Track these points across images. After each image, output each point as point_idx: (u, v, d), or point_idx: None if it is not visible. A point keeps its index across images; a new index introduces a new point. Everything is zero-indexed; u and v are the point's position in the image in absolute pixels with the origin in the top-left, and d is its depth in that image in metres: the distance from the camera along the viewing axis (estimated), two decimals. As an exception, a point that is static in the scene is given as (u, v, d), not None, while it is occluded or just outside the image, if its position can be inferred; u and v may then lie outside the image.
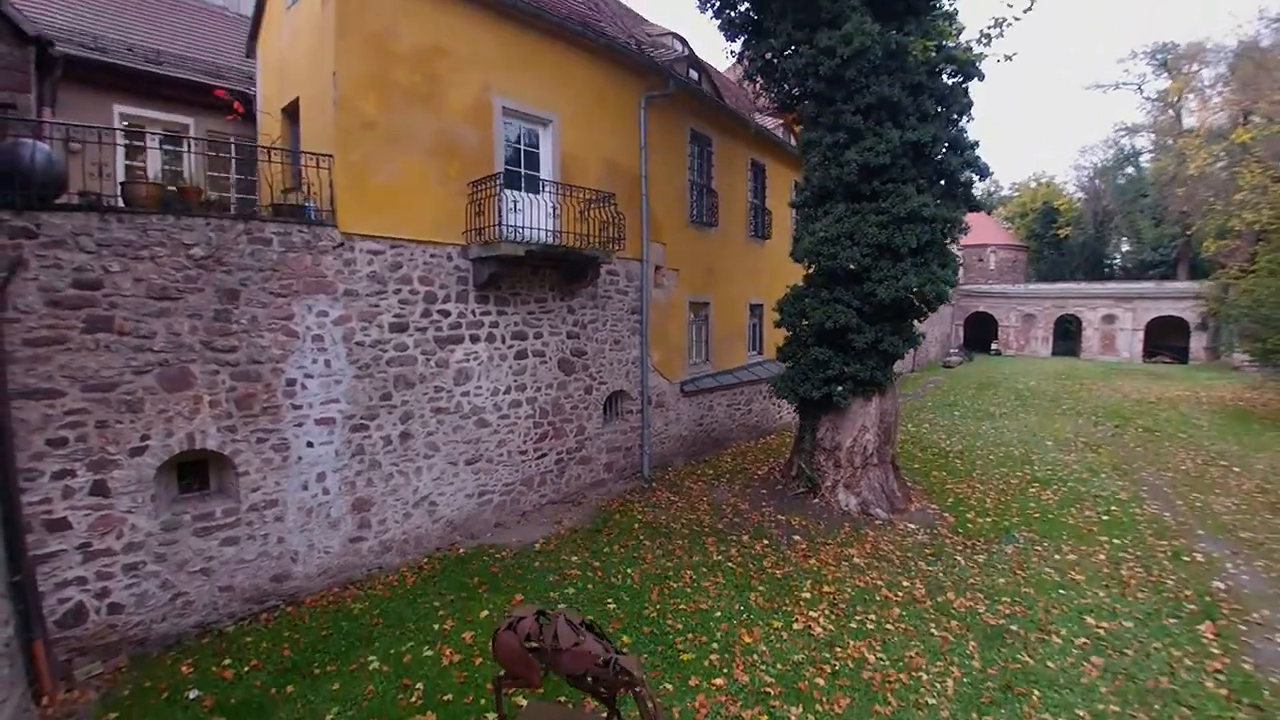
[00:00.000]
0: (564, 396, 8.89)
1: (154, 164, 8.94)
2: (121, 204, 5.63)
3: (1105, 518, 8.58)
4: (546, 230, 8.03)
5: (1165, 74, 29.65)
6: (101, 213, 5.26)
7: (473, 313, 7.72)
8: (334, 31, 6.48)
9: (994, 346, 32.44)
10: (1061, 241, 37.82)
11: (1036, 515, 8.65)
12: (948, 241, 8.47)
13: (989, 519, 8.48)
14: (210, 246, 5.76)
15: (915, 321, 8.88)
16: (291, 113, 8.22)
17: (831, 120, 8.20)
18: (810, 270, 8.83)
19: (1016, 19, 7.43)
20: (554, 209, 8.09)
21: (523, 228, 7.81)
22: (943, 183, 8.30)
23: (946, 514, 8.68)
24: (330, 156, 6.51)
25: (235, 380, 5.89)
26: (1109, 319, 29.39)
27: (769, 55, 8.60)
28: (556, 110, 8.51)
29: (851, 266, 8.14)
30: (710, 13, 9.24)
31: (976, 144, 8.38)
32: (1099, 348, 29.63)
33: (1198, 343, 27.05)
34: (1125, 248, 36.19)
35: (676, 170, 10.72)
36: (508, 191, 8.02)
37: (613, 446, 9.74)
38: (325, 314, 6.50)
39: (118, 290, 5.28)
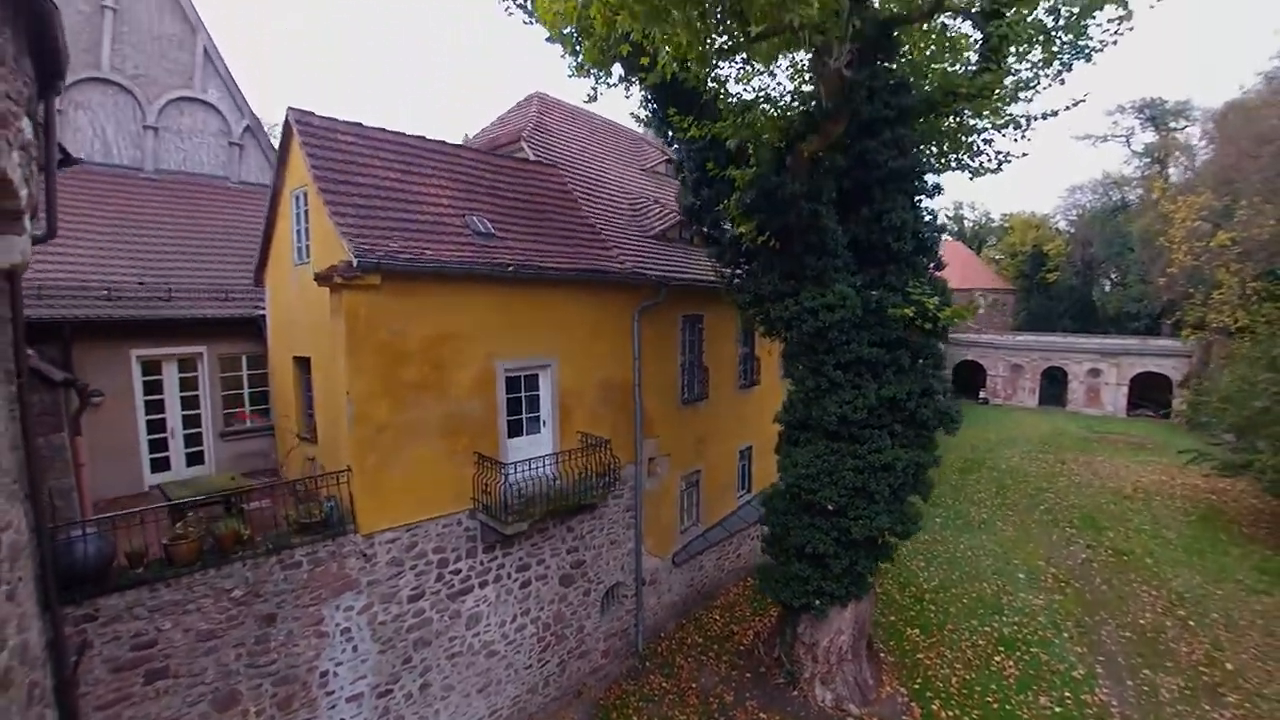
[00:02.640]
0: (564, 605, 9.71)
1: (174, 408, 9.69)
2: (168, 561, 6.36)
3: (1058, 709, 9.47)
4: (548, 464, 8.78)
5: (1153, 129, 30.10)
6: (150, 585, 6.02)
7: (481, 563, 8.50)
8: (345, 350, 7.15)
9: (982, 394, 33.25)
10: (1050, 285, 38.48)
11: (996, 706, 9.54)
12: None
13: (954, 712, 9.37)
14: (248, 585, 6.53)
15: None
16: (303, 362, 8.93)
17: (814, 364, 8.88)
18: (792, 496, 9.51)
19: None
20: (554, 460, 8.84)
21: (525, 480, 8.53)
22: (915, 430, 8.99)
23: (914, 704, 9.58)
24: (348, 470, 7.25)
25: (275, 686, 6.71)
26: (1094, 373, 30.16)
27: (760, 295, 9.19)
28: (555, 354, 9.21)
29: (830, 506, 8.91)
30: (706, 242, 9.86)
31: (949, 390, 9.10)
32: (1084, 400, 30.44)
33: (1181, 400, 27.79)
34: (1110, 289, 36.73)
35: (669, 358, 11.41)
36: (511, 440, 8.79)
37: (609, 634, 10.59)
38: (351, 608, 7.29)
39: (170, 644, 6.08)
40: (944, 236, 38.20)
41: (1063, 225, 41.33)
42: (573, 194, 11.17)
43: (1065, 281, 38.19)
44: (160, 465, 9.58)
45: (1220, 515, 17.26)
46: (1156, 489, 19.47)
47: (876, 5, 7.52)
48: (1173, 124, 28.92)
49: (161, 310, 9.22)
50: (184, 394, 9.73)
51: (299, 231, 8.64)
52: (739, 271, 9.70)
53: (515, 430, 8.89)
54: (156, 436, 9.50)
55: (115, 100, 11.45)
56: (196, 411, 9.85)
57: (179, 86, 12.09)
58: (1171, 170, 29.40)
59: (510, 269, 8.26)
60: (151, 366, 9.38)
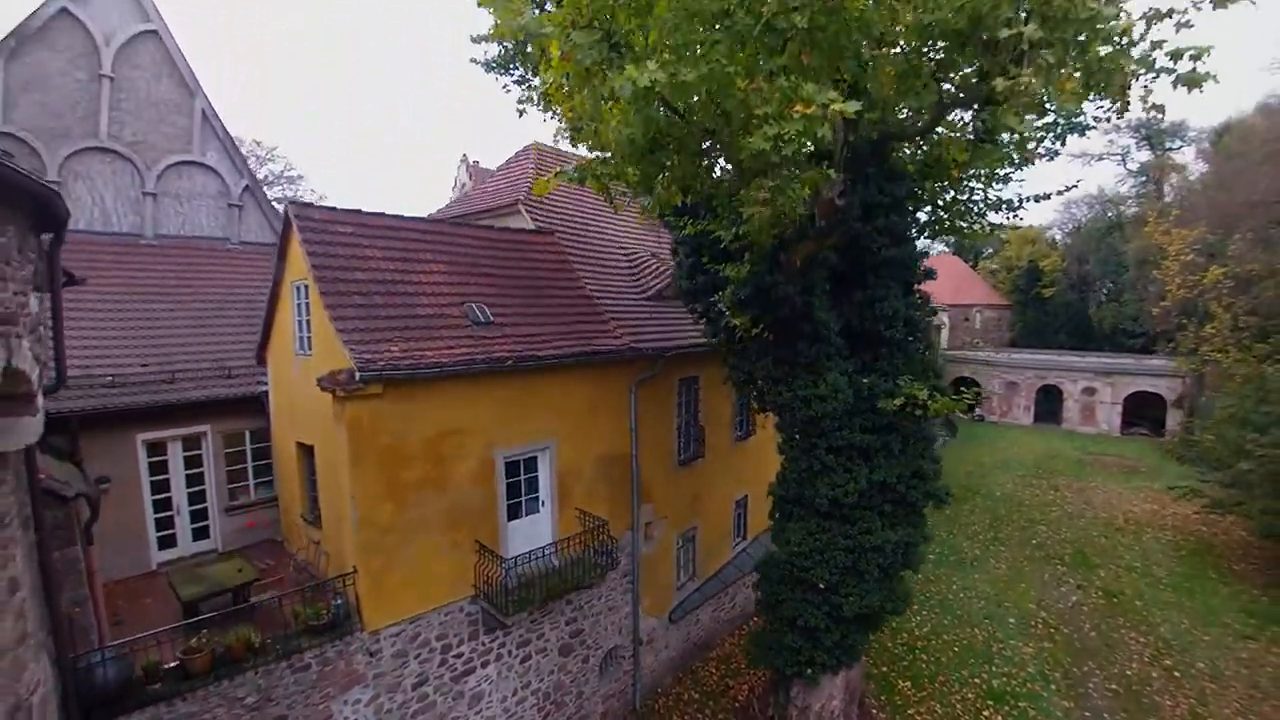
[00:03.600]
0: (564, 674, 9.95)
1: (179, 486, 9.86)
2: (183, 675, 6.56)
3: (1044, 775, 9.77)
4: (548, 551, 8.98)
5: (1149, 148, 30.15)
6: (168, 700, 6.24)
7: (483, 644, 8.73)
8: (348, 458, 7.32)
9: (978, 412, 33.51)
10: (1046, 301, 38.63)
11: (984, 771, 9.84)
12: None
13: (942, 777, 9.67)
14: (260, 691, 6.75)
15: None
16: (306, 449, 9.10)
17: (806, 446, 9.05)
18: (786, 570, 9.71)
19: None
20: (554, 547, 9.04)
21: (527, 560, 8.73)
22: (906, 509, 9.20)
23: (905, 768, 9.87)
24: (354, 571, 7.45)
25: (286, 788, 6.95)
26: (1089, 391, 30.39)
27: (754, 377, 9.34)
28: (553, 437, 9.38)
29: (821, 585, 9.13)
30: (700, 319, 10.00)
31: (938, 474, 9.30)
32: (1079, 419, 30.70)
33: (1174, 419, 28.08)
34: (1105, 304, 36.84)
35: (666, 422, 11.59)
36: (510, 523, 8.99)
37: (608, 695, 10.85)
38: (359, 701, 7.51)
39: (190, 761, 6.29)
40: (940, 249, 38.29)
41: (1059, 237, 41.40)
42: (570, 263, 11.29)
43: (1061, 297, 38.37)
44: (167, 542, 9.77)
45: (1210, 550, 17.55)
46: (1148, 520, 19.76)
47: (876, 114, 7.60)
48: (1168, 144, 28.97)
49: (165, 394, 9.37)
50: (189, 471, 9.90)
51: (300, 322, 8.77)
52: (732, 354, 9.86)
53: (515, 512, 9.09)
54: (163, 515, 9.69)
55: (114, 168, 11.53)
56: (201, 488, 10.02)
57: (178, 151, 12.16)
58: (1167, 188, 29.53)
59: (509, 362, 8.41)
60: (157, 448, 9.54)
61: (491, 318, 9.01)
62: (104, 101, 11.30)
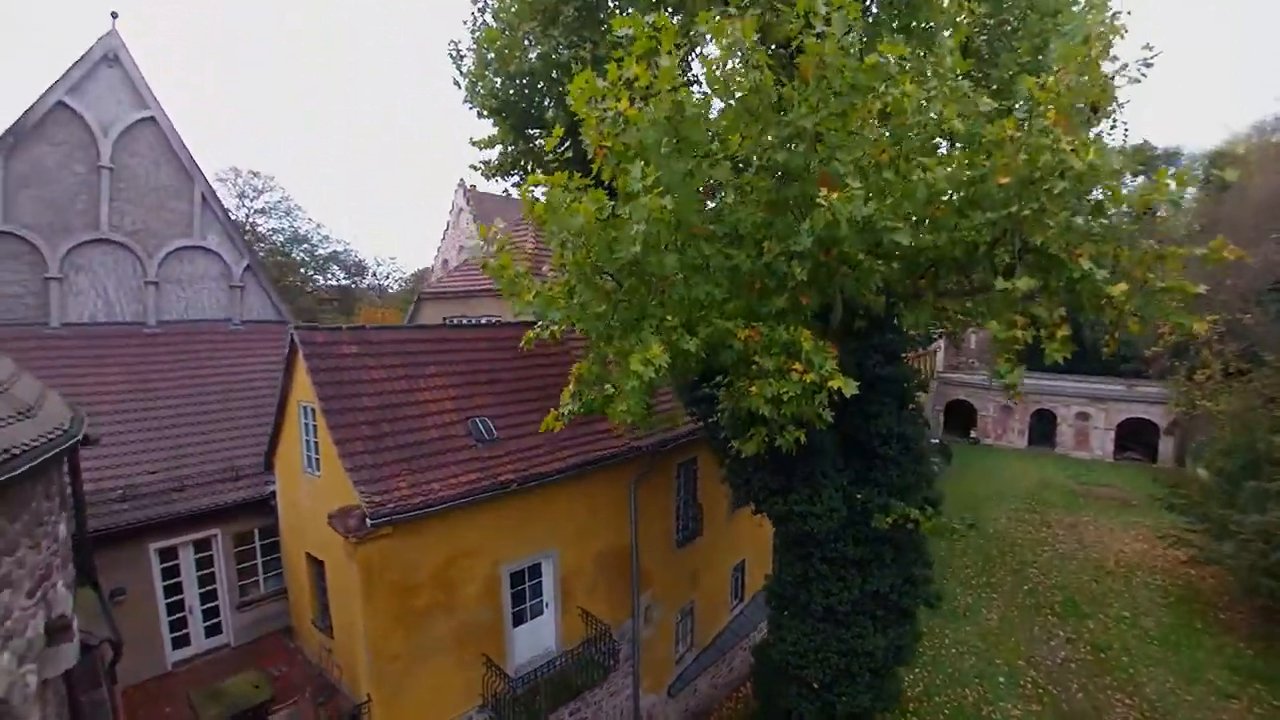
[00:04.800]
0: (569, 765, 10.27)
1: (191, 588, 10.05)
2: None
3: None
4: (553, 659, 9.28)
5: (1143, 174, 30.19)
6: None
7: (489, 751, 9.01)
8: (360, 596, 7.53)
9: (973, 434, 33.86)
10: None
11: None
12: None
13: None
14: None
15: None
16: (316, 561, 9.30)
17: (802, 554, 9.30)
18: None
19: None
20: (559, 652, 9.31)
21: (532, 677, 8.99)
22: (897, 614, 9.47)
23: None
24: (369, 699, 7.68)
25: None
26: (1083, 416, 30.72)
27: (752, 487, 9.53)
28: (556, 545, 9.59)
29: (815, 685, 9.42)
30: (698, 421, 10.16)
31: (930, 580, 9.57)
32: (1073, 443, 31.07)
33: (1166, 446, 28.46)
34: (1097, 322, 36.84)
35: (665, 507, 11.81)
36: (515, 629, 9.24)
37: (612, 777, 11.20)
38: (370, 824, 7.80)
39: None
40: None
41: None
42: (571, 352, 11.41)
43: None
44: (180, 641, 9.99)
45: (1197, 597, 17.94)
46: (1139, 561, 20.15)
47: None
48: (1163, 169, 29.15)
49: (176, 504, 9.54)
50: (200, 573, 10.11)
51: (308, 442, 8.92)
52: (730, 461, 10.05)
53: (519, 618, 9.33)
54: (176, 616, 9.91)
55: (115, 258, 11.56)
56: (212, 587, 10.23)
57: (179, 236, 12.18)
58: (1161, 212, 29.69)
59: (513, 485, 8.59)
60: (168, 553, 9.73)
61: (495, 432, 9.17)
62: (104, 192, 11.31)
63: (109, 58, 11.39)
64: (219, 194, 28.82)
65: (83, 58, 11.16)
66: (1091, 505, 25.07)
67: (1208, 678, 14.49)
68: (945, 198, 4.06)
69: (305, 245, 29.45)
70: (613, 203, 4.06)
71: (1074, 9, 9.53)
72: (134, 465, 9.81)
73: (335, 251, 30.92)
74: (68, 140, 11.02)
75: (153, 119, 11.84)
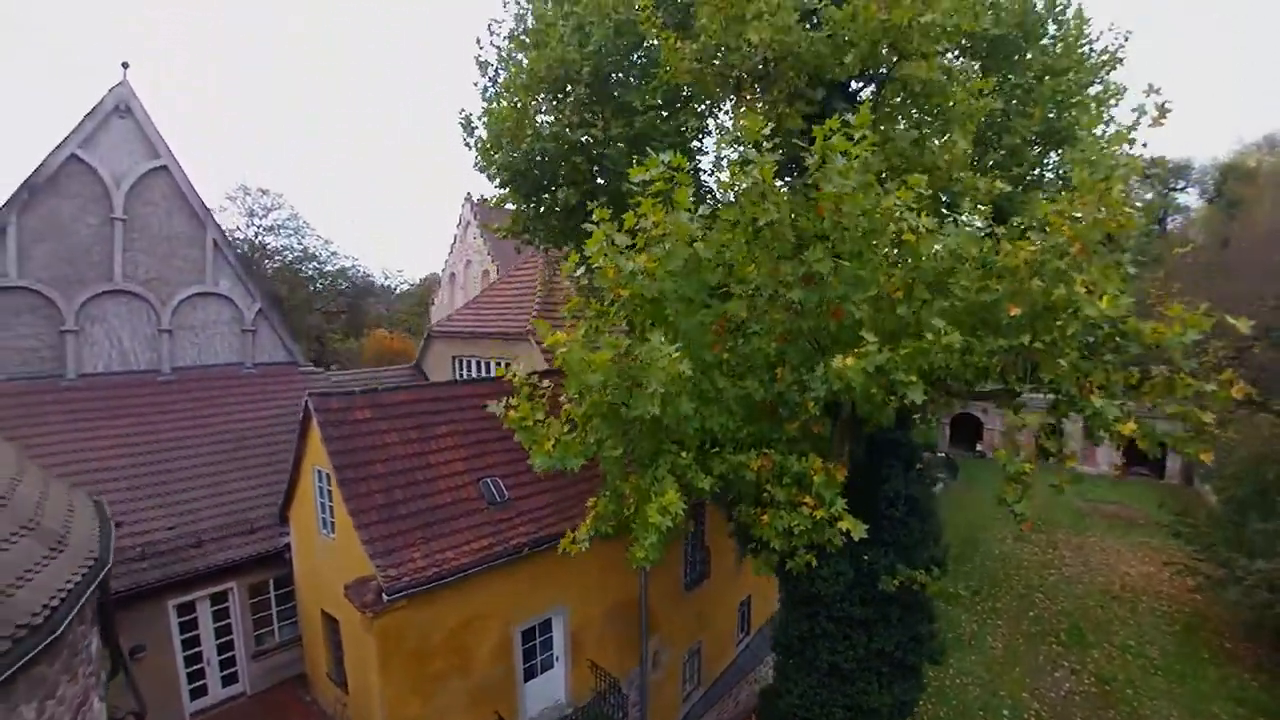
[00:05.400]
0: (580, 811, 10.45)
1: (208, 639, 10.23)
2: None
3: None
4: (561, 695, 9.43)
5: (1152, 189, 29.95)
6: None
7: (503, 806, 9.18)
8: (377, 668, 7.68)
9: (979, 447, 33.80)
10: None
11: None
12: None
13: None
14: None
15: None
16: (331, 618, 9.46)
17: (809, 612, 9.38)
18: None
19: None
20: (566, 686, 9.45)
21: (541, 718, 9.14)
22: (903, 671, 9.55)
23: None
24: (385, 769, 7.85)
25: None
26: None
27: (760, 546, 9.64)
28: (567, 601, 9.71)
29: (820, 743, 9.54)
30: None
31: (936, 635, 9.65)
32: (1081, 457, 30.84)
33: (1174, 463, 28.32)
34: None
35: (674, 554, 11.90)
36: (526, 684, 9.39)
37: (622, 818, 11.38)
38: None
39: None
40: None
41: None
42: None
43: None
44: (198, 691, 10.20)
45: (1203, 624, 17.96)
46: (1145, 586, 20.17)
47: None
48: (1174, 184, 28.77)
49: (194, 561, 9.70)
50: (216, 624, 10.29)
51: (322, 504, 9.05)
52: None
53: (530, 674, 9.48)
54: (193, 668, 10.10)
55: (129, 308, 11.69)
56: (229, 637, 10.42)
57: (192, 283, 12.29)
58: (1170, 224, 29.48)
59: (525, 550, 8.70)
60: (186, 608, 9.91)
61: (507, 493, 9.28)
62: (117, 244, 11.42)
63: (120, 109, 11.46)
64: (228, 211, 28.90)
65: (94, 110, 11.24)
66: (1098, 524, 25.07)
67: (1212, 710, 14.54)
68: (957, 347, 4.13)
69: (314, 262, 29.62)
70: (628, 340, 4.15)
71: (1089, 70, 9.49)
72: (151, 521, 9.98)
73: (343, 268, 31.10)
74: (81, 193, 11.13)
75: (164, 168, 11.92)
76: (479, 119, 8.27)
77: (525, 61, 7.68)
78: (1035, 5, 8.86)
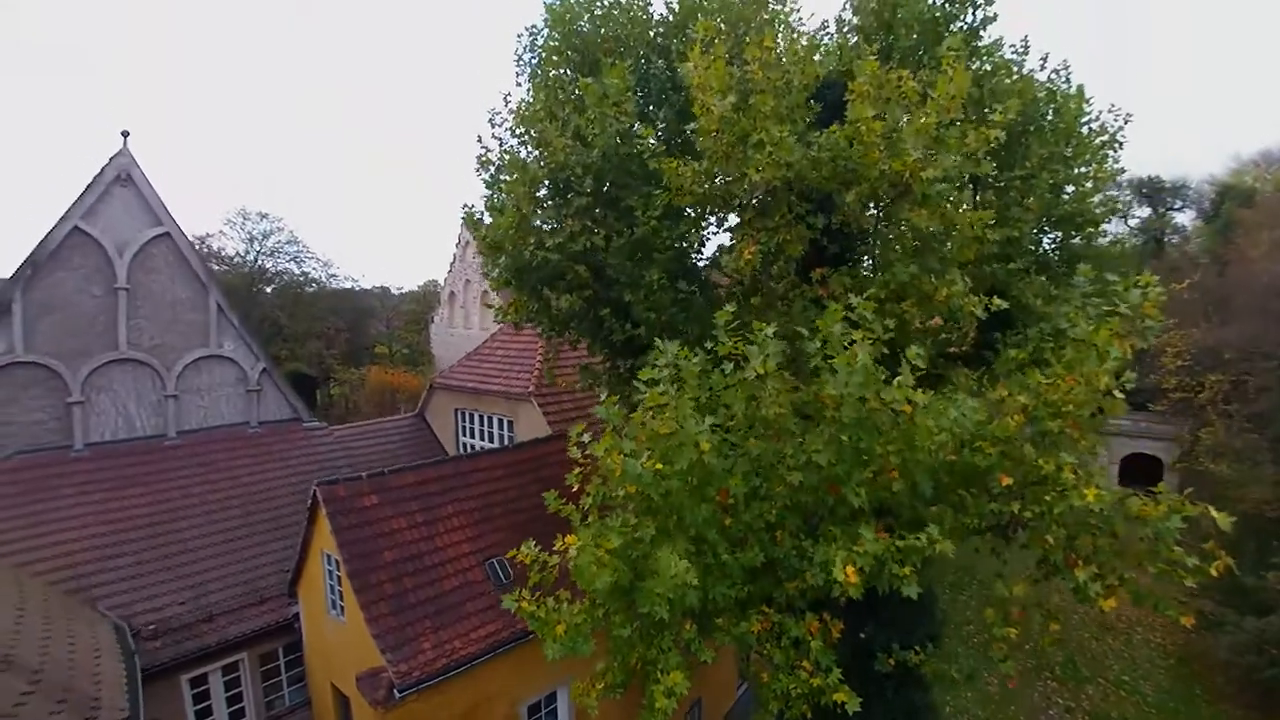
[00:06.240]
0: None
1: (221, 710, 10.42)
2: None
3: None
4: None
5: (1149, 207, 30.01)
6: None
7: None
8: (392, 757, 7.86)
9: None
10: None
11: None
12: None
13: None
14: None
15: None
16: (341, 695, 9.63)
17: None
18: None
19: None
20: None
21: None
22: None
23: None
24: None
25: None
26: (1088, 448, 30.81)
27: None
28: (571, 673, 9.86)
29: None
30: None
31: (933, 706, 9.84)
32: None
33: (1172, 482, 28.59)
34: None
35: (674, 611, 12.07)
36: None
37: None
38: None
39: None
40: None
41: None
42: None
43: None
44: (210, 761, 10.40)
45: (1198, 658, 18.24)
46: (1139, 617, 20.44)
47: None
48: (1170, 203, 28.84)
49: (206, 637, 9.86)
50: (228, 694, 10.47)
51: (332, 587, 9.20)
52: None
53: (537, 742, 9.67)
54: (206, 739, 10.29)
55: (135, 375, 11.78)
56: (240, 705, 10.60)
57: (196, 347, 12.37)
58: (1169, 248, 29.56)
59: (532, 635, 8.85)
60: (198, 681, 10.08)
61: (512, 573, 9.42)
62: (121, 313, 11.48)
63: (121, 177, 11.49)
64: (227, 235, 28.81)
65: (95, 180, 11.27)
66: (1093, 547, 25.31)
67: (1202, 752, 14.86)
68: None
69: (313, 285, 29.58)
70: (635, 526, 4.29)
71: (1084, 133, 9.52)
72: (163, 597, 10.12)
73: (343, 288, 31.04)
74: (84, 265, 11.19)
75: (167, 234, 11.97)
76: (481, 211, 8.33)
77: (526, 162, 7.75)
78: (1038, 95, 8.90)
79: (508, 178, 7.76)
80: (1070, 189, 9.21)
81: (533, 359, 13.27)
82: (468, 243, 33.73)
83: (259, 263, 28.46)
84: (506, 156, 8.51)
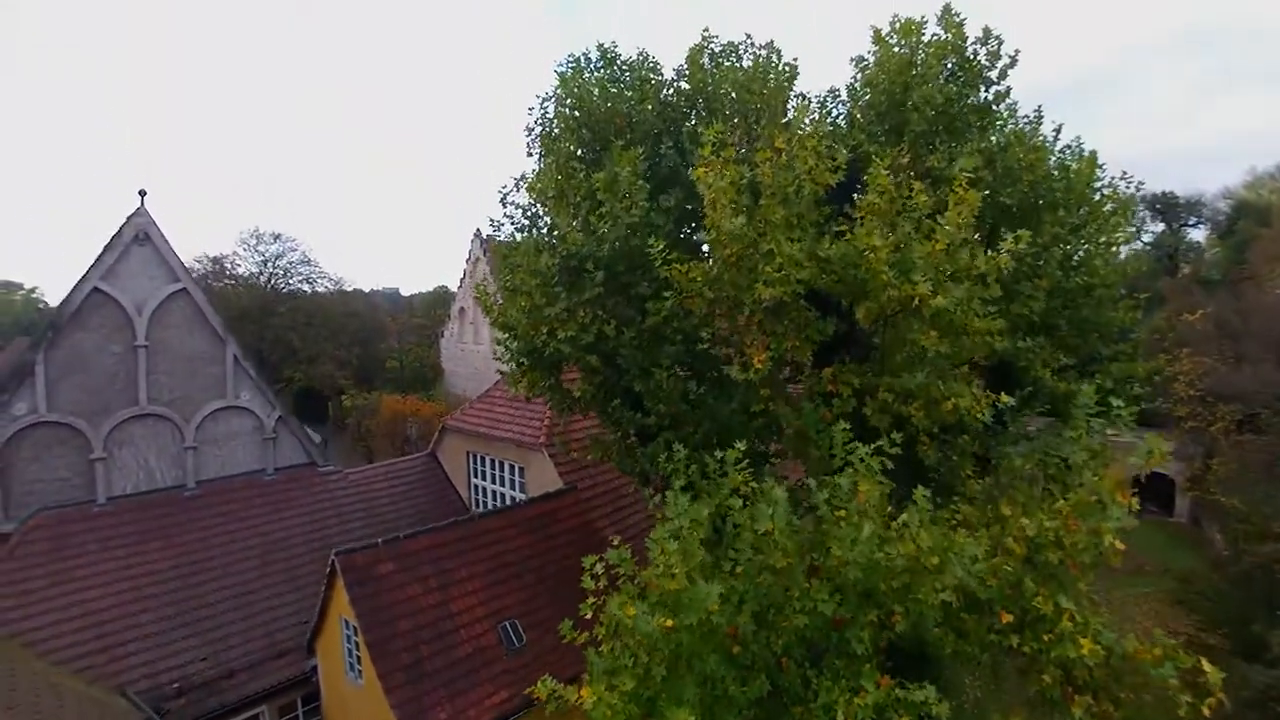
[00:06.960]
0: None
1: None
2: None
3: None
4: None
5: (1164, 223, 29.63)
6: None
7: None
8: (408, 827, 8.08)
9: (987, 478, 33.90)
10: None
11: None
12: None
13: None
14: None
15: None
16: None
17: None
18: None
19: None
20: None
21: None
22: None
23: None
24: None
25: None
26: (1098, 466, 30.55)
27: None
28: (582, 733, 10.06)
29: None
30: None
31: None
32: (1087, 493, 30.95)
33: (1183, 501, 28.32)
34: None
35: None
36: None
37: None
38: None
39: None
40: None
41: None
42: (594, 523, 11.77)
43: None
44: (233, 811, 10.70)
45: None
46: (1144, 650, 20.35)
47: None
48: (1185, 219, 28.47)
49: (227, 693, 10.13)
50: (249, 747, 10.75)
51: (350, 650, 9.42)
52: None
53: (550, 804, 9.87)
54: (228, 791, 10.58)
55: (155, 429, 12.03)
56: (260, 757, 10.88)
57: (214, 399, 12.61)
58: (1184, 266, 29.22)
59: (540, 702, 9.02)
60: (220, 739, 10.36)
61: (525, 636, 9.60)
62: (141, 369, 11.73)
63: (140, 237, 11.71)
64: (240, 256, 29.16)
65: (114, 240, 11.50)
66: (1103, 573, 25.13)
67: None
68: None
69: (323, 309, 29.87)
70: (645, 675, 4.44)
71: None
72: (185, 654, 10.39)
73: (355, 311, 31.30)
74: (104, 324, 11.43)
75: (184, 290, 12.19)
76: (495, 293, 8.44)
77: (540, 247, 7.84)
78: (1049, 165, 8.85)
79: (520, 263, 7.86)
80: (1080, 256, 9.18)
81: (544, 407, 13.41)
82: (478, 258, 33.96)
83: (272, 284, 28.79)
84: (518, 236, 8.61)
